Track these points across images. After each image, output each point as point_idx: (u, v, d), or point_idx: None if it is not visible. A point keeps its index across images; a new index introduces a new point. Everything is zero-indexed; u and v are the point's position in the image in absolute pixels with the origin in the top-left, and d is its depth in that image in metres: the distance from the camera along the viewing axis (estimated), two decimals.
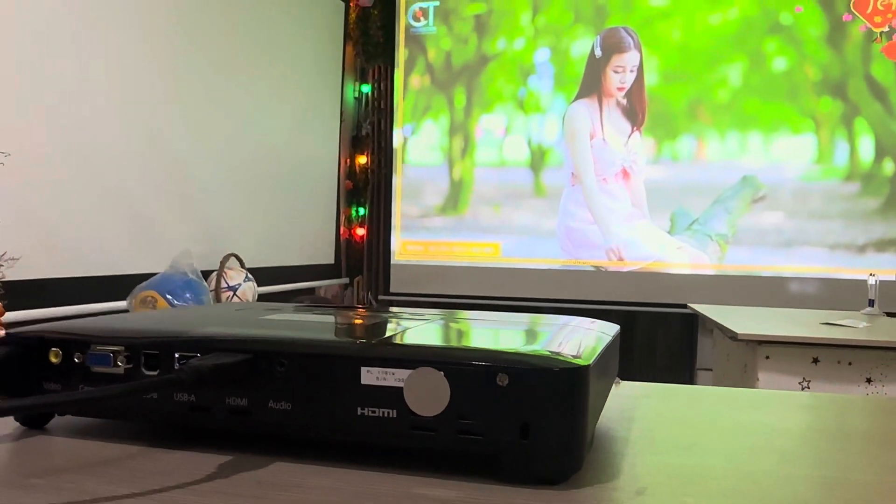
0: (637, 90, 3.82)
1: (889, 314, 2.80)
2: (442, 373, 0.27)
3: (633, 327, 4.18)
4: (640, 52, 3.79)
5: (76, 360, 0.32)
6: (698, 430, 0.37)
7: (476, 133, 4.11)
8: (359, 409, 0.28)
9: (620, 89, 3.84)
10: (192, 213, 2.82)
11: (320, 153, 3.99)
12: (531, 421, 0.27)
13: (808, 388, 1.97)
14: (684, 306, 3.31)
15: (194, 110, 2.77)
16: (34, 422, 0.34)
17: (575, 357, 0.28)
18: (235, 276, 2.73)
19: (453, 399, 0.27)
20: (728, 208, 3.83)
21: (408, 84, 4.24)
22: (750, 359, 2.07)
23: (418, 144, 4.28)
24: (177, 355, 0.31)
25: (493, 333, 0.32)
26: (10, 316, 1.80)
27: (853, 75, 3.54)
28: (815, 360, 1.98)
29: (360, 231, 4.46)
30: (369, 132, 4.48)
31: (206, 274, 2.42)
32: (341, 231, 4.24)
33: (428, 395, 0.27)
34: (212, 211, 2.95)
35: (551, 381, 0.27)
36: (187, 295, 2.23)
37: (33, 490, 0.26)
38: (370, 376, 0.28)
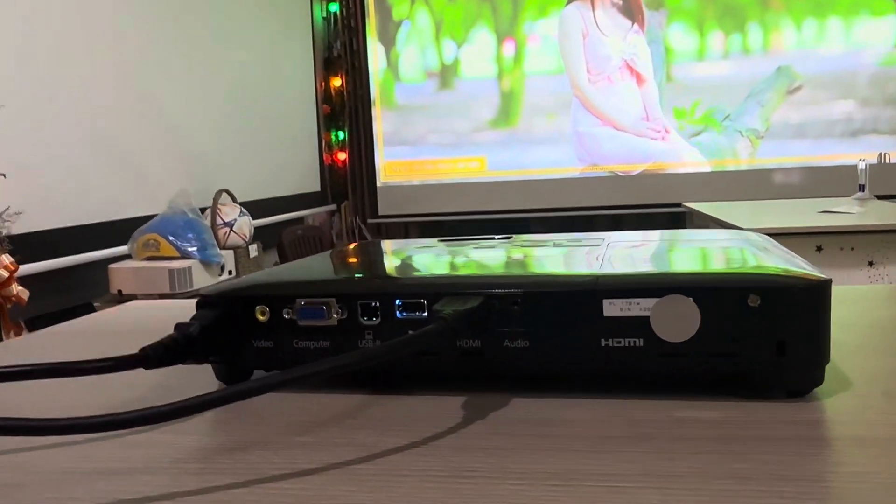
0: None
1: (879, 197, 2.86)
2: (691, 298, 0.27)
3: (621, 228, 4.22)
4: None
5: (285, 315, 0.32)
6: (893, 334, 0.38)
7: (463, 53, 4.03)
8: (602, 340, 0.28)
9: None
10: (179, 152, 2.76)
11: (297, 78, 3.90)
12: (787, 339, 0.27)
13: None
14: (677, 205, 3.35)
15: (171, 51, 2.68)
16: (235, 378, 0.34)
17: (813, 272, 0.28)
18: (230, 211, 2.70)
19: (704, 323, 0.28)
20: (761, 101, 3.84)
21: None
22: None
23: (405, 61, 4.18)
24: (398, 302, 0.30)
25: (698, 254, 0.32)
26: (21, 269, 1.77)
27: None
28: (819, 248, 2.02)
29: (342, 156, 4.40)
30: (341, 53, 4.36)
31: (200, 211, 2.39)
32: (324, 157, 4.18)
33: (677, 321, 0.28)
34: (198, 148, 2.89)
35: (804, 297, 0.27)
36: (189, 235, 2.20)
37: (312, 448, 0.26)
38: (613, 308, 0.28)
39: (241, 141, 3.20)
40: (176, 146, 2.73)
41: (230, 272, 2.34)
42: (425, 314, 0.30)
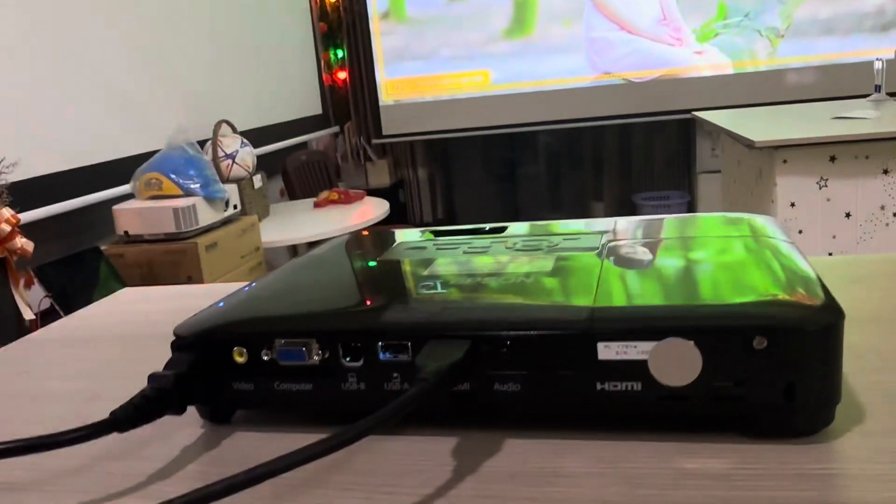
0: None
1: (891, 94, 2.78)
2: (692, 342, 0.26)
3: (629, 138, 4.15)
4: None
5: (264, 356, 0.30)
6: (888, 329, 0.36)
7: None
8: (598, 384, 0.27)
9: None
10: (174, 85, 2.70)
11: None
12: (796, 381, 0.25)
13: (826, 185, 1.99)
14: (686, 112, 3.27)
15: None
16: (220, 417, 0.32)
17: (825, 302, 0.26)
18: (231, 143, 2.66)
19: (706, 367, 0.26)
20: None
21: None
22: (767, 164, 2.07)
23: None
24: (380, 344, 0.29)
25: (701, 276, 0.30)
26: (24, 216, 1.76)
27: None
28: (833, 158, 1.98)
29: (342, 75, 4.30)
30: None
31: (200, 144, 2.36)
32: (324, 78, 4.09)
33: (677, 365, 0.26)
34: (194, 79, 2.83)
35: (814, 338, 0.25)
36: (191, 172, 2.18)
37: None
38: (609, 351, 0.26)
39: (236, 68, 3.12)
40: (170, 78, 2.66)
41: (235, 206, 2.32)
42: (409, 357, 0.28)
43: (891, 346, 0.34)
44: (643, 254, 0.34)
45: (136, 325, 0.49)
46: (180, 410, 0.30)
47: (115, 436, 0.32)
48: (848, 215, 1.98)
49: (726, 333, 0.25)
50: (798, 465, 0.25)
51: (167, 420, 0.33)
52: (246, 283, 0.40)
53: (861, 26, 3.60)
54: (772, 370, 0.25)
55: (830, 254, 2.07)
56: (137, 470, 0.29)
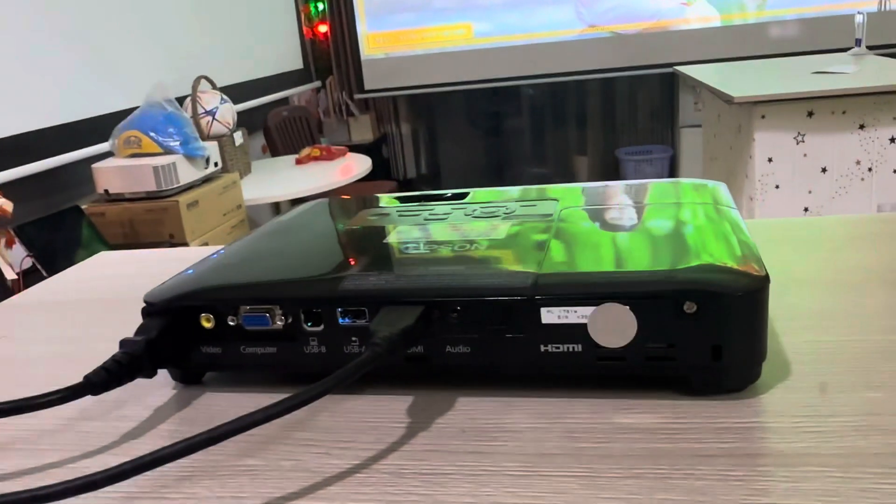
0: None
1: (870, 48, 2.78)
2: (628, 307, 0.27)
3: (614, 92, 4.14)
4: None
5: (230, 322, 0.32)
6: (832, 291, 0.38)
7: None
8: (541, 346, 0.29)
9: None
10: (153, 40, 2.66)
11: None
12: (723, 342, 0.27)
13: (803, 141, 2.01)
14: (668, 66, 3.26)
15: None
16: (191, 379, 0.34)
17: (754, 269, 0.28)
18: (210, 99, 2.64)
19: (641, 329, 0.28)
20: None
21: None
22: (745, 120, 2.08)
23: None
24: (339, 310, 0.30)
25: (639, 243, 0.32)
26: (1, 176, 1.75)
27: None
28: (810, 114, 1.99)
29: (323, 28, 4.24)
30: None
31: (179, 101, 2.34)
32: (304, 31, 4.03)
33: (614, 328, 0.28)
34: (172, 34, 2.79)
35: (739, 303, 0.27)
36: (170, 129, 2.16)
37: (259, 476, 0.26)
38: (551, 315, 0.28)
39: (214, 22, 3.08)
40: (148, 33, 2.62)
41: (216, 164, 2.31)
42: (367, 321, 0.30)
43: (824, 307, 0.36)
44: (591, 221, 0.35)
45: (112, 291, 0.50)
46: (151, 374, 0.31)
47: (91, 398, 0.34)
48: (824, 170, 2.01)
49: (658, 299, 0.27)
50: (723, 420, 0.27)
51: (141, 382, 0.35)
52: (219, 247, 0.41)
53: None
54: (701, 333, 0.27)
55: (806, 209, 2.10)
56: (113, 429, 0.31)
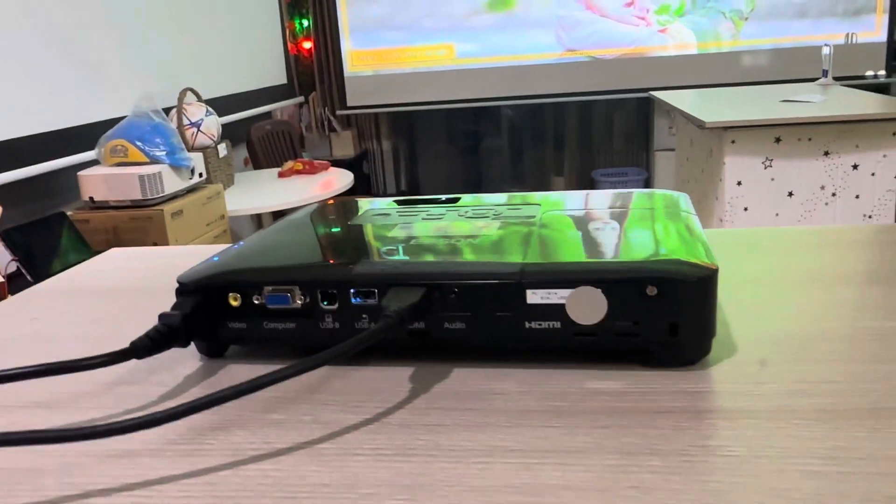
0: None
1: (836, 78, 2.89)
2: (600, 290, 0.32)
3: (591, 115, 4.23)
4: None
5: (255, 301, 0.36)
6: (777, 289, 0.44)
7: None
8: (526, 323, 0.34)
9: None
10: (141, 52, 2.69)
11: None
12: (679, 321, 0.32)
13: (771, 165, 2.09)
14: (644, 91, 3.35)
15: None
16: (215, 352, 0.39)
17: (706, 261, 0.33)
18: (196, 111, 2.67)
19: (610, 309, 0.33)
20: None
21: None
22: (716, 144, 2.16)
23: None
24: (352, 290, 0.35)
25: (609, 240, 0.37)
26: None
27: None
28: (778, 140, 2.08)
29: (307, 44, 4.30)
30: None
31: (165, 112, 2.37)
32: (289, 47, 4.08)
33: (588, 308, 0.33)
34: (160, 46, 2.82)
35: (693, 288, 0.32)
36: (157, 139, 2.20)
37: (283, 427, 0.31)
38: (535, 296, 0.33)
39: (200, 35, 3.12)
40: (136, 45, 2.66)
41: (200, 174, 2.35)
42: (376, 301, 0.35)
43: (767, 300, 0.42)
44: (570, 221, 0.41)
45: (131, 280, 0.55)
46: (185, 344, 0.36)
47: (126, 366, 0.38)
48: (790, 194, 2.09)
49: (625, 283, 0.32)
50: (678, 385, 0.32)
51: (170, 355, 0.39)
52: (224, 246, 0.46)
53: (834, 10, 3.71)
54: (661, 313, 0.32)
55: None
56: (148, 393, 0.35)
